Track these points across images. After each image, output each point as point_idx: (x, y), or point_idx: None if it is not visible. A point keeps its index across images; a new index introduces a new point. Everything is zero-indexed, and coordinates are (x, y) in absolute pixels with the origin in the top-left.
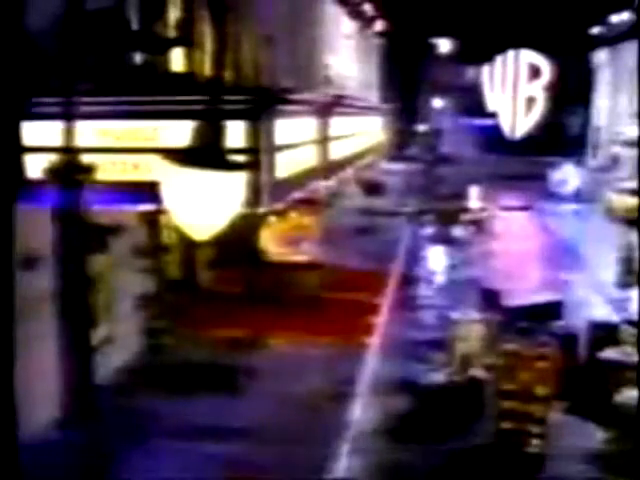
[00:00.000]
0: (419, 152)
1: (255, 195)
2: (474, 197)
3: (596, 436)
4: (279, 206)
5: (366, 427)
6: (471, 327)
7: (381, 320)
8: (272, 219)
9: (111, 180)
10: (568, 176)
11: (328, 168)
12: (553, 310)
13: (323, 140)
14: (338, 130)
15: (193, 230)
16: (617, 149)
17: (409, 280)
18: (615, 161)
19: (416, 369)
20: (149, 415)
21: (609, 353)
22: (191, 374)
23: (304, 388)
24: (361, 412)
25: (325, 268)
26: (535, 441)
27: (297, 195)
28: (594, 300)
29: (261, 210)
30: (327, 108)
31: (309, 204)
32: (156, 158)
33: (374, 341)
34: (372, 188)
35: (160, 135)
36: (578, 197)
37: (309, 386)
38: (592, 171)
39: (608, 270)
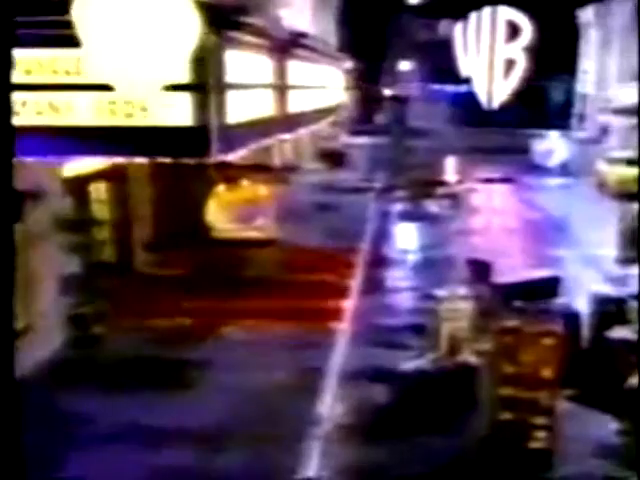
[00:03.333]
0: (386, 122)
1: (203, 141)
2: (449, 171)
3: (609, 427)
4: (231, 157)
5: (339, 423)
6: (458, 305)
7: (350, 304)
8: (220, 189)
9: (21, 126)
10: (554, 147)
11: (287, 121)
12: (550, 287)
13: (281, 86)
14: (297, 78)
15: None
16: (607, 118)
17: (380, 260)
18: (605, 131)
19: (394, 356)
20: (77, 417)
21: (619, 332)
22: (128, 369)
23: (265, 381)
24: (332, 407)
25: (284, 246)
26: (540, 434)
27: (252, 147)
28: (592, 277)
29: (210, 160)
30: (285, 46)
31: (264, 171)
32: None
33: (343, 327)
34: (334, 159)
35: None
36: (565, 170)
37: (271, 379)
38: (579, 143)
39: (603, 246)
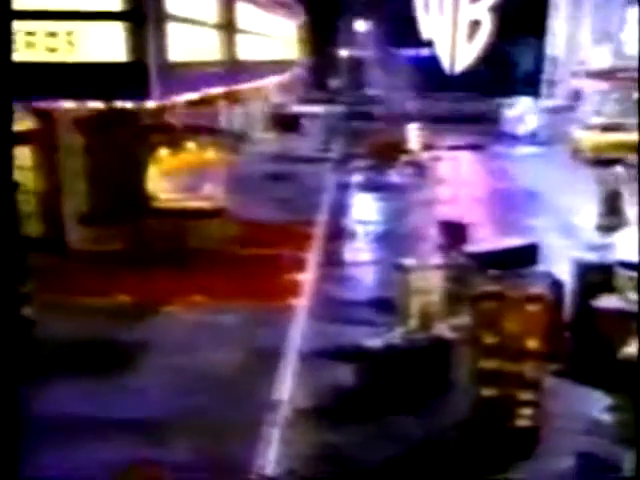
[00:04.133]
0: (341, 88)
1: (140, 80)
2: (412, 139)
3: (599, 403)
4: (174, 101)
5: (299, 408)
6: (429, 275)
7: (309, 278)
8: (162, 153)
9: None
10: (525, 113)
11: (235, 69)
12: (527, 255)
13: (227, 27)
14: (247, 22)
15: None
16: (579, 83)
17: (339, 232)
18: (577, 97)
19: (359, 333)
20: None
21: (607, 301)
22: (62, 354)
23: (216, 364)
24: (291, 390)
25: (235, 218)
26: (526, 411)
27: (198, 93)
28: (570, 246)
29: (149, 105)
30: None
31: (211, 133)
32: None
33: (302, 303)
34: (288, 125)
35: None
36: (536, 138)
37: (222, 361)
38: (550, 111)
39: (580, 214)
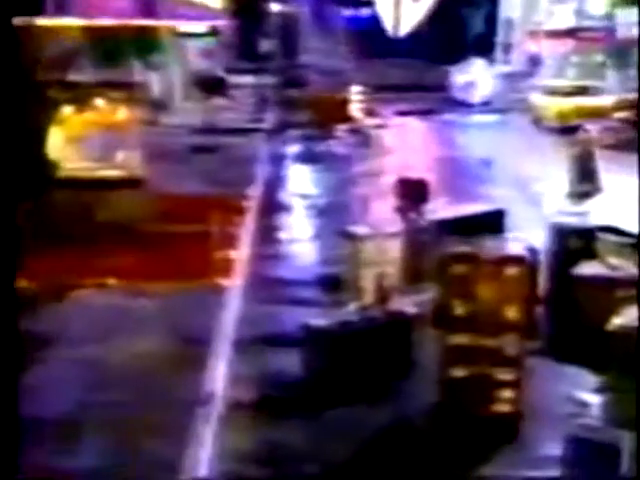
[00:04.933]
0: (273, 53)
1: None
2: (354, 105)
3: (586, 383)
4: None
5: (235, 401)
6: (385, 243)
7: (241, 256)
8: (67, 112)
9: None
10: (478, 77)
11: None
12: (495, 222)
13: None
14: None
15: None
16: (537, 45)
17: (275, 207)
18: (536, 62)
19: (300, 314)
20: None
21: (589, 268)
22: None
23: (135, 354)
24: (226, 381)
25: (156, 191)
26: (506, 394)
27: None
28: (539, 214)
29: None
30: None
31: (123, 88)
32: None
33: (234, 283)
34: (212, 86)
35: None
36: (491, 106)
37: (143, 351)
38: (506, 77)
39: (548, 183)
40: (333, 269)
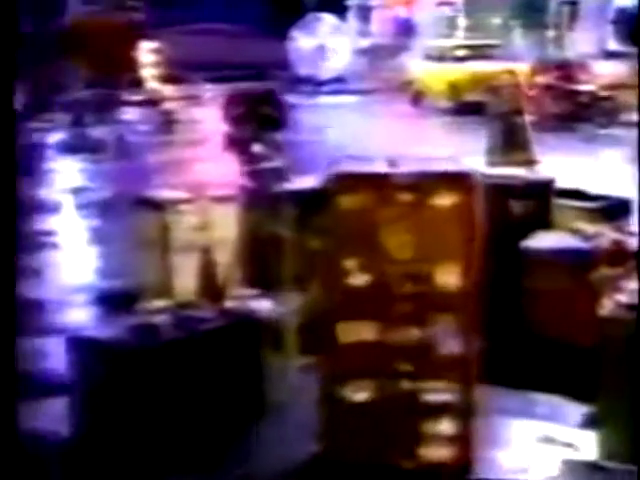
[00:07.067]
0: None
1: None
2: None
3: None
4: None
5: None
6: (210, 214)
7: None
8: None
9: None
10: (328, 42)
11: None
12: None
13: None
14: None
15: None
16: (406, 9)
17: (36, 206)
18: (407, 31)
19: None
20: None
21: (545, 241)
22: None
23: None
24: None
25: None
26: (443, 429)
27: None
28: None
29: None
30: None
31: None
32: None
33: None
34: None
35: None
36: (346, 83)
37: None
38: (367, 51)
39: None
40: (120, 280)
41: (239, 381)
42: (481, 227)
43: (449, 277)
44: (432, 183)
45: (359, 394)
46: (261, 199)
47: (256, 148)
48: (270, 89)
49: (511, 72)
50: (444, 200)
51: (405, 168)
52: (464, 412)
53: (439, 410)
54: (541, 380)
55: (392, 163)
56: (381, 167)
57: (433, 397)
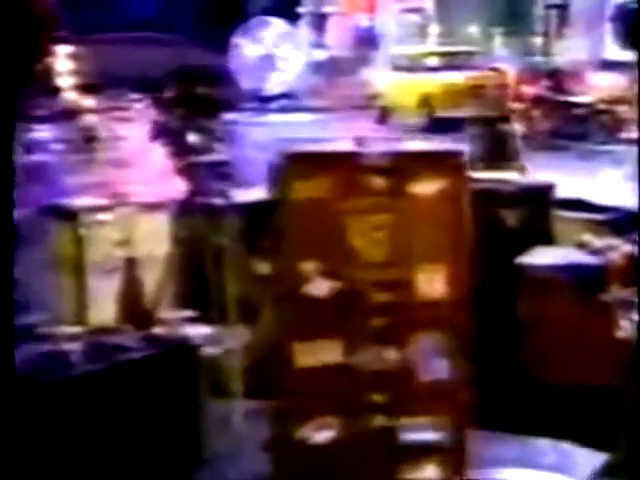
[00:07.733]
0: None
1: None
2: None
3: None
4: None
5: None
6: (134, 224)
7: None
8: None
9: None
10: (276, 49)
11: None
12: None
13: None
14: None
15: None
16: (368, 17)
17: None
18: (372, 42)
19: None
20: None
21: (545, 256)
22: None
23: None
24: None
25: None
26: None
27: None
28: None
29: None
30: None
31: None
32: None
33: None
34: None
35: None
36: (299, 100)
37: None
38: (324, 65)
39: None
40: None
41: (170, 422)
42: (471, 221)
43: (433, 284)
44: (412, 165)
45: (321, 433)
46: (198, 203)
47: (191, 138)
48: (206, 64)
49: (497, 70)
50: (427, 187)
51: (377, 148)
52: (452, 455)
53: (421, 452)
54: (546, 423)
55: (360, 142)
56: (346, 146)
57: (413, 436)
